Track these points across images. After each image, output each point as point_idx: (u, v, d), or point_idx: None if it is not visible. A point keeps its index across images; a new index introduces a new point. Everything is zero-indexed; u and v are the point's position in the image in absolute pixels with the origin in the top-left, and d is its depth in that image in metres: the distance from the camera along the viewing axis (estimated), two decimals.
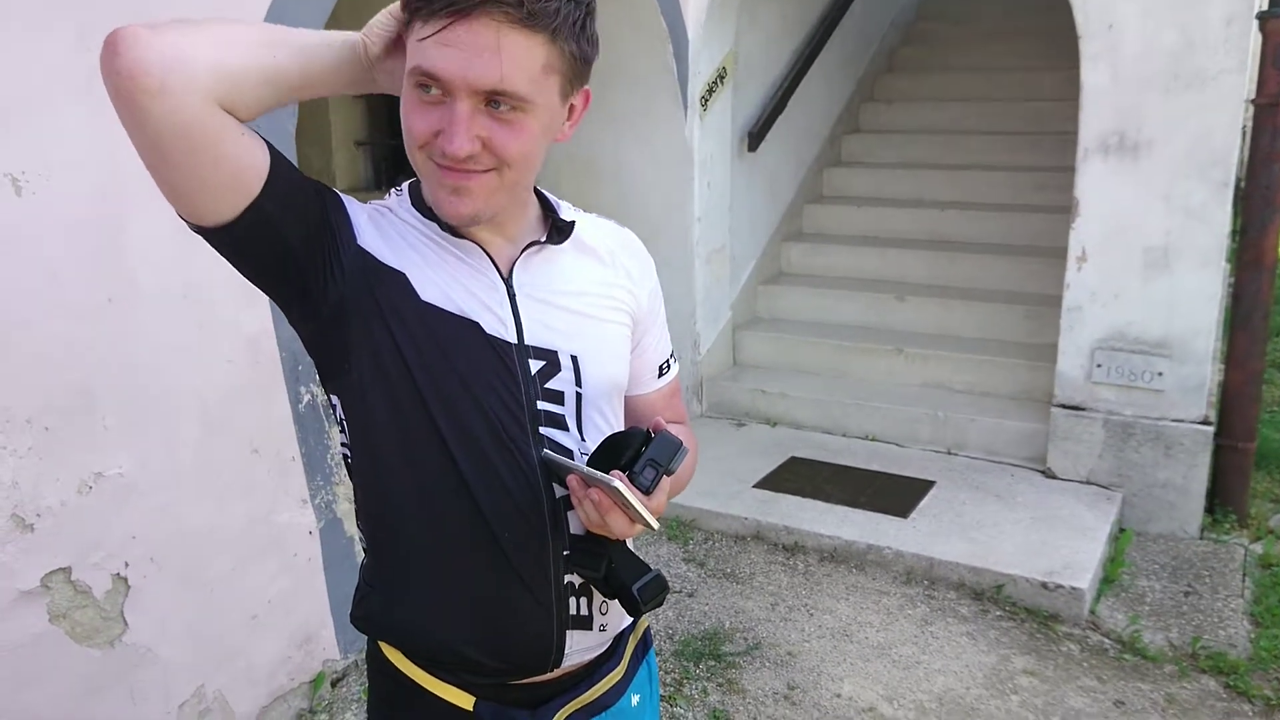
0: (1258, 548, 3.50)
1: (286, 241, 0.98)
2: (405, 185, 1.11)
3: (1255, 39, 3.37)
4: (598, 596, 1.13)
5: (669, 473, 0.99)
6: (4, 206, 1.85)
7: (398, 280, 1.03)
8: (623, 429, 1.14)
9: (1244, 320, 3.61)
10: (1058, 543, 3.35)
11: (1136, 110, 3.47)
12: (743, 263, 5.04)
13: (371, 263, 1.03)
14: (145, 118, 0.86)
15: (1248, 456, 3.67)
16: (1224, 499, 3.69)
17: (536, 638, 1.10)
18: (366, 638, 1.20)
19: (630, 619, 1.21)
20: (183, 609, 2.27)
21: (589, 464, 1.01)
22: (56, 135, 1.91)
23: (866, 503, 3.73)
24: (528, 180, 1.04)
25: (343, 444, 1.12)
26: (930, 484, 3.88)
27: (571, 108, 1.03)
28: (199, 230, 0.96)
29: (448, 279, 1.05)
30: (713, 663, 2.86)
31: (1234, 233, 3.55)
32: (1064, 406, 3.82)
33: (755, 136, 4.87)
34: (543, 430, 1.07)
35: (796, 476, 3.99)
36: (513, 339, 1.06)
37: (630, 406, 1.23)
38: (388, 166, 5.85)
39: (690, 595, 3.26)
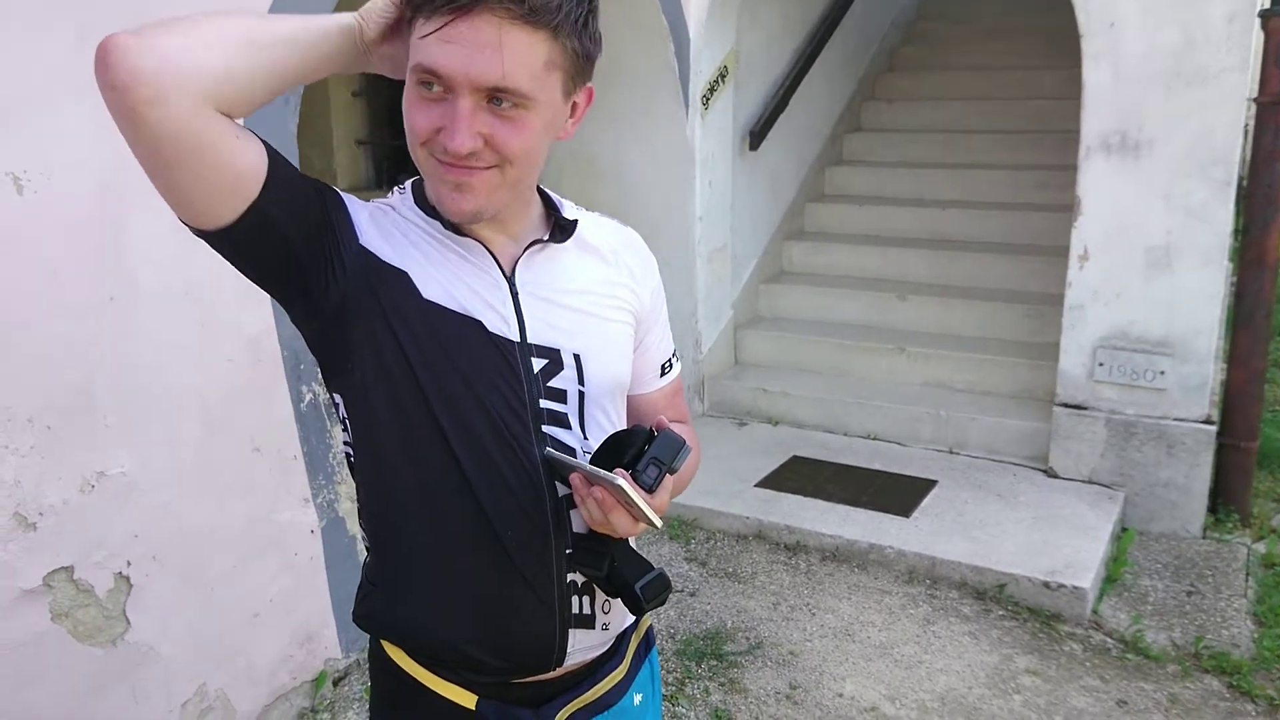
0: (1260, 547, 3.50)
1: (287, 242, 0.98)
2: (408, 183, 1.10)
3: (1257, 37, 3.36)
4: (600, 595, 1.12)
5: (672, 471, 0.99)
6: (5, 206, 1.85)
7: (400, 279, 1.03)
8: (625, 427, 1.14)
9: (1246, 319, 3.60)
10: (1060, 542, 3.34)
11: (1138, 109, 3.47)
12: (744, 262, 5.04)
13: (373, 262, 1.03)
14: (141, 126, 0.85)
15: (1250, 456, 3.66)
16: (1226, 498, 3.69)
17: (539, 636, 1.10)
18: (369, 636, 1.20)
19: (633, 618, 1.21)
20: (185, 608, 2.27)
21: (592, 462, 1.01)
22: (57, 135, 1.91)
23: (868, 502, 3.72)
24: (530, 178, 1.03)
25: (345, 443, 1.12)
26: (932, 483, 3.87)
27: (574, 105, 1.03)
28: (200, 234, 0.96)
29: (450, 277, 1.05)
30: (715, 662, 2.86)
31: (1236, 231, 3.54)
32: (1066, 405, 3.81)
33: (757, 135, 4.87)
34: (545, 429, 1.07)
35: (798, 476, 3.99)
36: (515, 337, 1.06)
37: (632, 405, 1.23)
38: (389, 166, 5.85)
39: (692, 594, 3.26)
